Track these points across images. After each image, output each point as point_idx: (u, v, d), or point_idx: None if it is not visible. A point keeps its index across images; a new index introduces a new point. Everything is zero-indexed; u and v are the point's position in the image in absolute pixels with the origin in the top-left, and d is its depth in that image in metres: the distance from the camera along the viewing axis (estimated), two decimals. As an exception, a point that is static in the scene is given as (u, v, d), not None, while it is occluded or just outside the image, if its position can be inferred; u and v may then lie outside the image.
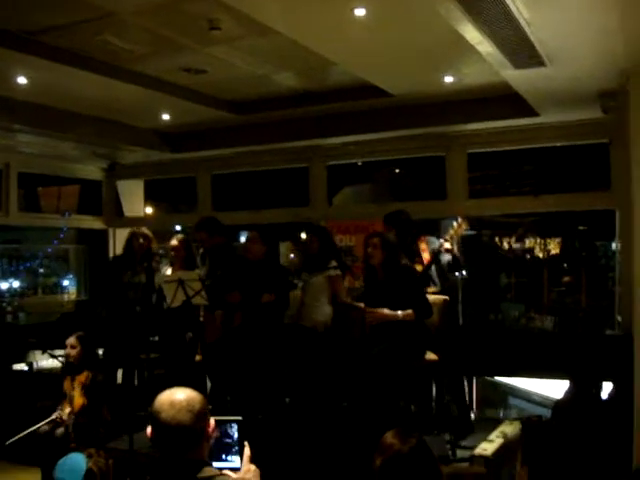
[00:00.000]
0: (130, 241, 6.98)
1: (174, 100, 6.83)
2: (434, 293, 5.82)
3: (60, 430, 5.51)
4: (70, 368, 5.96)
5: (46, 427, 5.53)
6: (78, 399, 5.75)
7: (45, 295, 13.58)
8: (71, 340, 5.97)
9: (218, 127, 8.16)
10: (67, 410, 5.69)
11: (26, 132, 7.50)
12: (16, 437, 5.44)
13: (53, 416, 5.64)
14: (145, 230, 7.10)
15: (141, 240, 6.89)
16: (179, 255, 6.63)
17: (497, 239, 15.33)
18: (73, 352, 5.92)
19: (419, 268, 5.91)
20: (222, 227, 6.58)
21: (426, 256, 5.96)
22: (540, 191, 9.16)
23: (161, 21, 4.99)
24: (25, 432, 5.47)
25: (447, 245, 5.79)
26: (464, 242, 5.96)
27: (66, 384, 5.91)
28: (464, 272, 6.20)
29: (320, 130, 7.76)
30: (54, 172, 9.82)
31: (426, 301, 5.43)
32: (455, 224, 5.91)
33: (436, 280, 5.97)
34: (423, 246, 6.00)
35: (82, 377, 5.85)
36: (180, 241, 6.68)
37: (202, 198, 9.34)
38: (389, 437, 2.60)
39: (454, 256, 5.88)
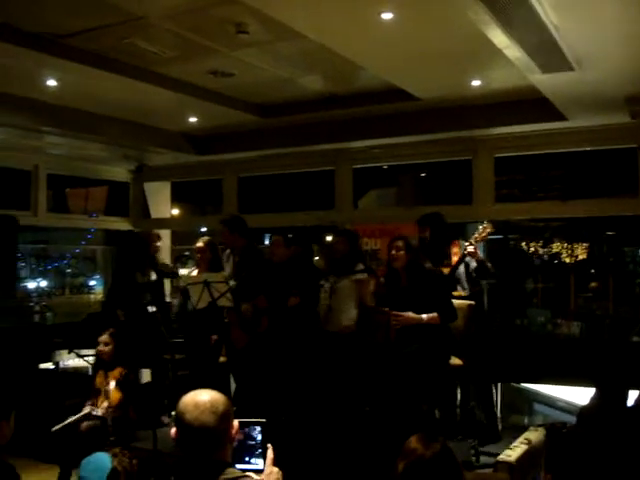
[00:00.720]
0: (150, 242, 7.06)
1: (201, 103, 6.88)
2: (460, 297, 5.78)
3: (88, 423, 5.58)
4: (103, 364, 6.03)
5: (87, 423, 5.58)
6: (115, 393, 5.81)
7: (72, 295, 13.72)
8: (104, 337, 6.03)
9: (245, 130, 8.20)
10: (105, 404, 5.75)
11: (55, 134, 7.60)
12: (62, 424, 5.49)
13: (86, 410, 5.70)
14: (154, 231, 7.14)
15: (157, 240, 6.97)
16: (204, 257, 6.66)
17: (524, 244, 15.20)
18: (106, 349, 5.99)
19: (446, 271, 5.88)
20: (245, 227, 6.57)
21: (455, 259, 5.92)
22: (568, 196, 9.09)
23: (189, 25, 5.04)
24: (69, 420, 5.52)
25: (470, 248, 5.73)
26: (490, 246, 5.88)
27: (99, 379, 5.96)
28: (492, 278, 6.11)
29: (346, 133, 7.76)
30: (82, 174, 9.94)
31: (451, 305, 5.40)
32: (480, 227, 5.87)
33: (465, 284, 5.91)
34: (455, 250, 5.95)
35: (116, 373, 5.92)
36: (205, 243, 6.71)
37: (228, 200, 9.39)
38: (413, 442, 2.59)
39: (480, 261, 5.82)
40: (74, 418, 5.58)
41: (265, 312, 6.08)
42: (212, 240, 6.83)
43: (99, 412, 5.71)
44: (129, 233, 10.03)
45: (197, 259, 6.80)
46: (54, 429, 5.48)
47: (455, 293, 5.80)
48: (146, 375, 6.83)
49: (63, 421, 5.63)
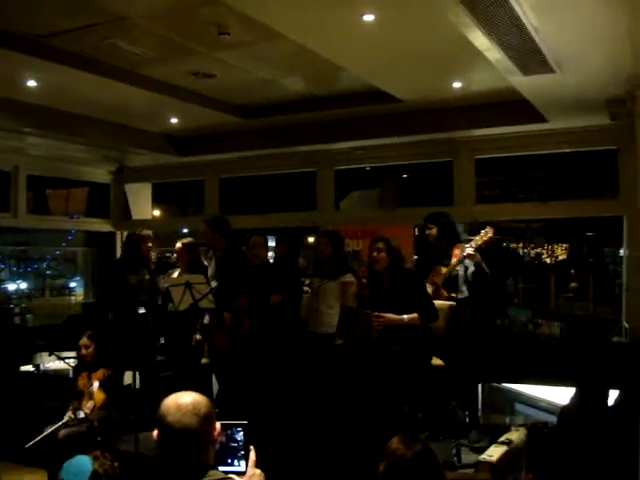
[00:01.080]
0: (127, 243, 7.02)
1: (182, 104, 6.86)
2: (458, 300, 5.77)
3: (66, 431, 5.55)
4: (85, 365, 6.00)
5: (64, 430, 5.55)
6: (99, 394, 5.80)
7: (52, 297, 13.63)
8: (84, 340, 6.02)
9: (226, 131, 8.19)
10: (89, 404, 5.73)
11: (35, 135, 7.55)
12: (35, 440, 5.45)
13: (65, 418, 5.67)
14: (148, 232, 7.09)
15: (147, 242, 6.92)
16: (183, 258, 6.64)
17: (505, 244, 15.28)
18: (88, 351, 5.98)
19: (444, 270, 5.88)
20: (227, 228, 6.56)
21: (454, 260, 5.91)
22: (548, 197, 9.14)
23: (170, 26, 5.03)
24: (44, 434, 5.48)
25: (470, 250, 5.70)
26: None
27: (81, 381, 5.94)
28: (489, 283, 6.10)
29: (328, 135, 7.77)
30: (63, 175, 9.88)
31: (432, 305, 5.42)
32: (482, 232, 5.83)
33: (463, 287, 5.89)
34: (457, 252, 5.94)
35: (99, 374, 5.91)
36: (184, 244, 6.68)
37: (210, 201, 9.37)
38: (394, 442, 2.60)
39: (478, 265, 5.78)
40: (48, 431, 5.53)
41: (246, 313, 6.06)
42: (191, 242, 6.79)
43: (82, 414, 5.68)
44: (111, 234, 9.99)
45: (176, 260, 6.76)
46: (27, 445, 5.44)
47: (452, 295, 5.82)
48: (127, 377, 6.78)
49: (42, 427, 5.60)
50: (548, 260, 15.37)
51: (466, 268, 5.85)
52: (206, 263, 6.71)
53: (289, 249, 6.87)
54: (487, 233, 5.79)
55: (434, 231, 6.07)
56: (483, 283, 5.86)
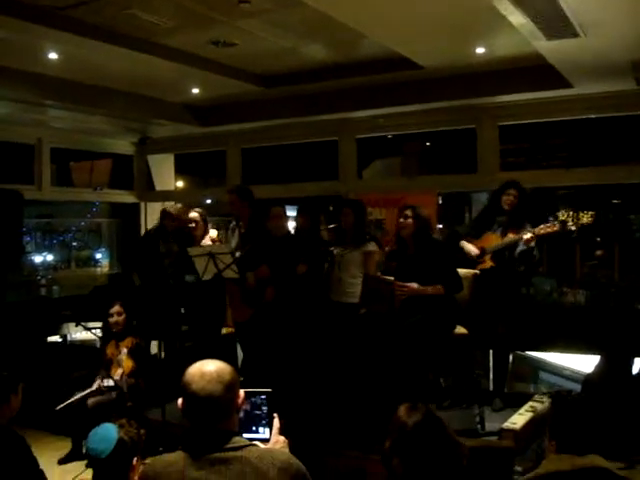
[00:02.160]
0: (162, 219, 7.01)
1: (203, 74, 6.83)
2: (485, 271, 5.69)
3: (95, 399, 5.65)
4: (113, 334, 6.09)
5: (92, 399, 5.65)
6: (127, 362, 5.90)
7: (78, 268, 13.76)
8: (116, 308, 6.11)
9: (247, 101, 8.16)
10: (118, 372, 5.84)
11: (58, 107, 7.59)
12: (65, 403, 5.55)
13: (95, 386, 5.77)
14: (177, 208, 7.04)
15: (168, 221, 6.88)
16: (198, 228, 6.59)
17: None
18: (120, 319, 6.07)
19: (494, 239, 5.76)
20: (253, 197, 6.58)
21: (510, 236, 5.74)
22: (573, 164, 9.05)
23: (190, -6, 5.00)
24: (74, 398, 5.60)
25: (527, 236, 5.55)
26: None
27: (110, 349, 6.03)
28: (535, 267, 5.96)
29: (349, 103, 7.72)
30: (86, 147, 9.93)
31: (456, 276, 5.39)
32: (550, 222, 5.65)
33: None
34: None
35: (127, 342, 6.02)
36: (201, 213, 6.63)
37: (232, 171, 9.38)
38: (398, 413, 2.59)
39: (529, 250, 5.65)
40: (78, 396, 5.64)
41: (270, 282, 6.07)
42: (204, 212, 6.75)
43: (111, 382, 5.79)
44: (135, 206, 10.05)
45: (190, 231, 6.61)
46: (58, 408, 5.54)
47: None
48: (153, 348, 6.85)
49: (69, 396, 5.70)
50: (573, 228, 15.25)
51: (517, 245, 5.70)
52: (212, 233, 6.63)
53: (311, 220, 6.84)
54: (553, 226, 5.57)
55: (511, 198, 5.81)
56: (528, 264, 5.76)
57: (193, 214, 6.58)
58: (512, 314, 5.72)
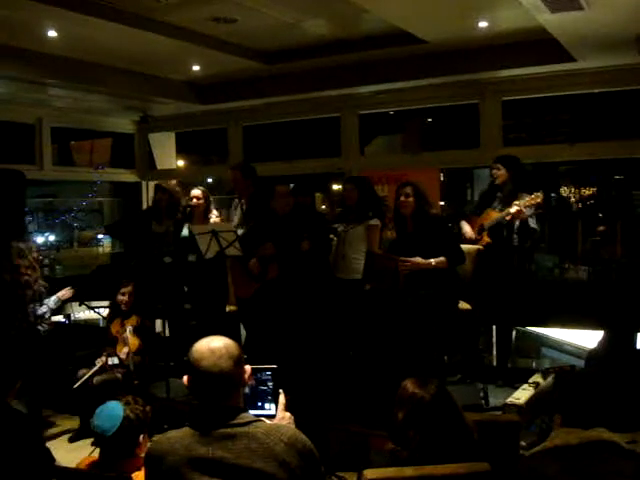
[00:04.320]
0: (155, 194, 7.00)
1: (204, 50, 6.78)
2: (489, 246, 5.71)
3: (100, 377, 5.68)
4: (118, 313, 6.11)
5: (98, 377, 5.69)
6: (133, 340, 5.94)
7: (80, 248, 13.77)
8: (129, 288, 6.16)
9: (248, 78, 8.11)
10: (125, 350, 5.86)
11: (57, 86, 7.55)
12: (79, 382, 5.59)
13: (99, 363, 5.79)
14: (170, 183, 7.02)
15: (159, 194, 6.86)
16: (200, 205, 6.57)
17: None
18: (128, 298, 6.13)
19: (495, 215, 5.80)
20: (256, 175, 6.58)
21: (512, 209, 5.75)
22: (576, 139, 9.01)
23: (189, -31, 4.94)
24: (85, 376, 5.63)
25: (512, 210, 5.57)
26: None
27: (115, 328, 6.07)
28: (533, 239, 5.99)
29: (351, 79, 7.66)
30: (86, 126, 9.88)
31: (458, 248, 5.40)
32: (533, 195, 5.66)
33: (514, 236, 5.78)
34: (516, 202, 5.77)
35: (132, 321, 6.07)
36: (202, 191, 6.62)
37: (233, 149, 9.35)
38: (409, 387, 2.60)
39: (524, 222, 5.65)
40: (91, 372, 5.67)
41: (274, 259, 6.08)
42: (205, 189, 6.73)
43: (116, 360, 5.82)
44: (137, 184, 10.02)
45: (192, 209, 6.63)
46: (75, 386, 5.56)
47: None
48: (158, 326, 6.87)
49: (74, 375, 5.73)
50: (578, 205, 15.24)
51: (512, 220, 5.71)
52: (216, 212, 6.63)
53: (310, 198, 6.81)
54: (536, 198, 5.59)
55: (502, 172, 5.85)
56: (527, 237, 5.77)
57: (196, 191, 6.57)
58: (512, 290, 5.73)
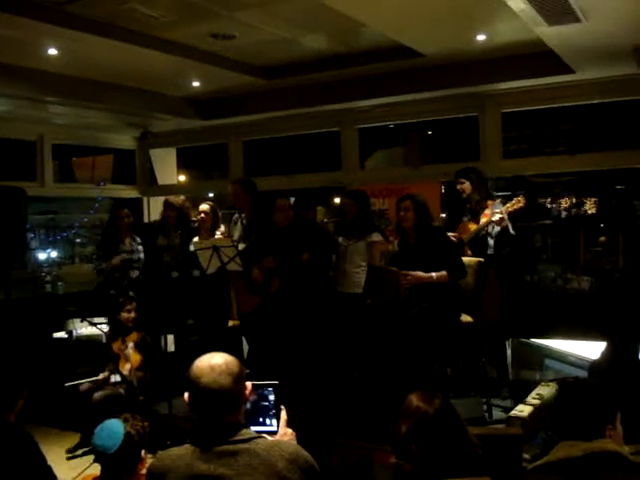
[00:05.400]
0: (164, 210, 7.05)
1: (203, 67, 6.82)
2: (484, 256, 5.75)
3: (101, 393, 5.66)
4: (119, 330, 6.10)
5: (99, 393, 5.67)
6: (135, 355, 5.93)
7: (82, 264, 13.75)
8: (133, 305, 6.16)
9: (248, 93, 8.14)
10: (127, 366, 5.86)
11: (58, 104, 7.59)
12: (74, 382, 5.62)
13: (100, 376, 5.79)
14: (178, 199, 7.09)
15: (168, 211, 6.93)
16: (208, 220, 6.60)
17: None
18: (132, 315, 6.13)
19: (472, 227, 5.85)
20: (256, 190, 6.61)
21: (483, 220, 5.87)
22: (576, 150, 9.02)
23: (188, -13, 4.97)
24: (84, 380, 5.68)
25: (497, 217, 5.67)
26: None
27: (116, 345, 6.05)
28: (512, 246, 6.05)
29: (350, 93, 7.69)
30: (87, 142, 9.93)
31: (460, 262, 5.39)
32: (514, 199, 5.77)
33: (490, 243, 5.86)
34: (487, 211, 5.90)
35: (133, 337, 6.06)
36: (211, 206, 6.67)
37: (234, 164, 9.37)
38: (414, 401, 2.60)
39: (504, 228, 5.73)
40: (87, 380, 5.67)
41: (275, 272, 6.08)
42: (214, 205, 6.78)
43: (118, 377, 5.81)
44: (138, 200, 10.03)
45: (199, 222, 6.66)
46: (67, 384, 5.56)
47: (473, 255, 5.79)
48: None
49: (76, 392, 5.73)
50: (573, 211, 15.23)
51: (492, 228, 5.81)
52: (223, 227, 6.66)
53: (313, 212, 6.82)
54: (519, 202, 5.70)
55: (466, 185, 6.01)
56: (506, 244, 5.82)
57: (204, 206, 6.63)
58: (509, 301, 5.76)
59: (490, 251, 5.85)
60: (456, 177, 6.16)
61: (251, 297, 6.18)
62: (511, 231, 5.74)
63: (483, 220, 5.86)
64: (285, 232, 6.23)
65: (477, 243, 5.86)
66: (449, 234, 5.83)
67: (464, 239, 5.88)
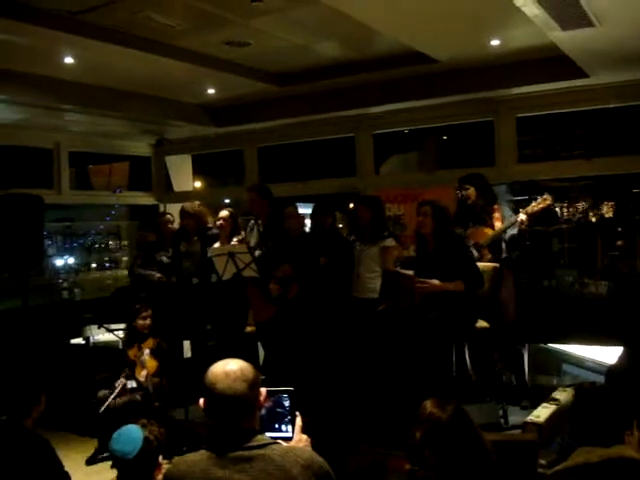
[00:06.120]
0: (182, 219, 7.10)
1: (218, 74, 6.86)
2: (499, 261, 5.72)
3: (121, 399, 5.69)
4: (136, 337, 6.13)
5: (120, 399, 5.69)
6: (151, 362, 5.97)
7: (99, 271, 13.82)
8: (149, 312, 6.20)
9: (263, 100, 8.17)
10: (143, 373, 5.88)
11: (75, 112, 7.65)
12: (105, 404, 5.55)
13: (118, 386, 5.80)
14: (194, 205, 7.14)
15: (186, 219, 6.98)
16: (228, 227, 6.63)
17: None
18: (148, 322, 6.15)
19: (489, 232, 5.82)
20: (272, 196, 6.63)
21: (497, 224, 5.84)
22: (592, 154, 8.97)
23: (202, -5, 5.00)
24: (109, 399, 5.60)
25: (522, 217, 5.63)
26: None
27: (132, 352, 6.08)
28: (525, 250, 6.03)
29: (365, 99, 7.71)
30: (104, 150, 10.00)
31: (477, 272, 5.36)
32: (540, 198, 5.72)
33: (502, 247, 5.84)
34: (497, 214, 5.87)
35: (149, 343, 6.10)
36: (230, 212, 6.71)
37: (249, 171, 9.40)
38: (428, 407, 2.60)
39: (523, 232, 5.70)
40: (114, 394, 5.67)
41: (293, 279, 6.09)
42: (233, 211, 6.83)
43: (134, 383, 5.83)
44: (154, 207, 10.08)
45: (219, 228, 6.71)
46: (101, 410, 5.56)
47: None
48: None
49: (98, 396, 5.75)
50: (594, 219, 15.12)
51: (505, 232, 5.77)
52: (242, 234, 6.68)
53: (332, 218, 6.82)
54: (545, 200, 5.63)
55: (471, 191, 5.98)
56: (521, 247, 5.79)
57: (224, 213, 6.69)
58: (527, 306, 5.74)
59: (504, 254, 5.81)
60: (460, 183, 6.12)
61: (267, 305, 6.19)
62: (527, 235, 5.70)
63: (497, 223, 5.82)
64: (299, 239, 6.24)
65: (496, 246, 5.81)
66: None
67: (482, 243, 5.83)
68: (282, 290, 6.12)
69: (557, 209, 15.30)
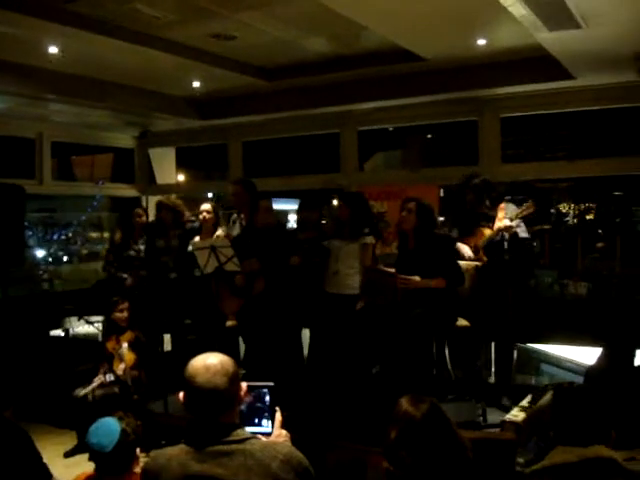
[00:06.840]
0: (158, 212, 7.05)
1: (204, 67, 6.82)
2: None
3: (99, 392, 5.67)
4: (115, 329, 6.10)
5: (98, 391, 5.72)
6: (129, 355, 5.94)
7: (80, 262, 13.75)
8: (126, 304, 6.16)
9: (248, 94, 8.14)
10: (122, 366, 5.86)
11: (58, 102, 7.58)
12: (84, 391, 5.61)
13: (96, 381, 5.79)
14: (172, 200, 7.10)
15: (164, 212, 6.92)
16: (210, 220, 6.60)
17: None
18: (125, 315, 6.11)
19: (487, 233, 5.80)
20: (256, 191, 6.61)
21: (500, 224, 5.80)
22: (575, 156, 9.04)
23: (190, -13, 4.98)
24: (88, 390, 5.66)
25: (506, 223, 5.61)
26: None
27: (110, 345, 6.06)
28: (523, 252, 6.00)
29: (351, 95, 7.69)
30: (87, 141, 9.93)
31: (458, 270, 5.38)
32: (524, 205, 5.72)
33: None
34: (500, 214, 5.83)
35: (127, 336, 6.06)
36: (213, 206, 6.68)
37: (233, 165, 9.37)
38: (402, 405, 2.60)
39: (513, 234, 5.68)
40: (91, 388, 5.66)
41: (259, 274, 6.06)
42: (215, 205, 6.80)
43: (112, 376, 5.81)
44: (136, 199, 10.03)
45: (201, 222, 6.66)
46: (80, 395, 5.56)
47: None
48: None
49: (72, 391, 5.73)
50: (575, 220, 15.24)
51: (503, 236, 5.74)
52: (223, 230, 6.65)
53: (319, 213, 6.80)
54: (528, 208, 5.61)
55: (470, 197, 5.93)
56: (518, 249, 5.77)
57: (205, 206, 6.65)
58: (514, 306, 5.73)
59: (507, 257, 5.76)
60: (463, 188, 6.03)
61: (232, 298, 6.18)
62: (521, 235, 5.69)
63: (500, 223, 5.78)
64: (268, 233, 6.19)
65: (493, 248, 5.77)
66: (460, 244, 5.81)
67: (479, 245, 5.81)
68: (247, 283, 6.10)
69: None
